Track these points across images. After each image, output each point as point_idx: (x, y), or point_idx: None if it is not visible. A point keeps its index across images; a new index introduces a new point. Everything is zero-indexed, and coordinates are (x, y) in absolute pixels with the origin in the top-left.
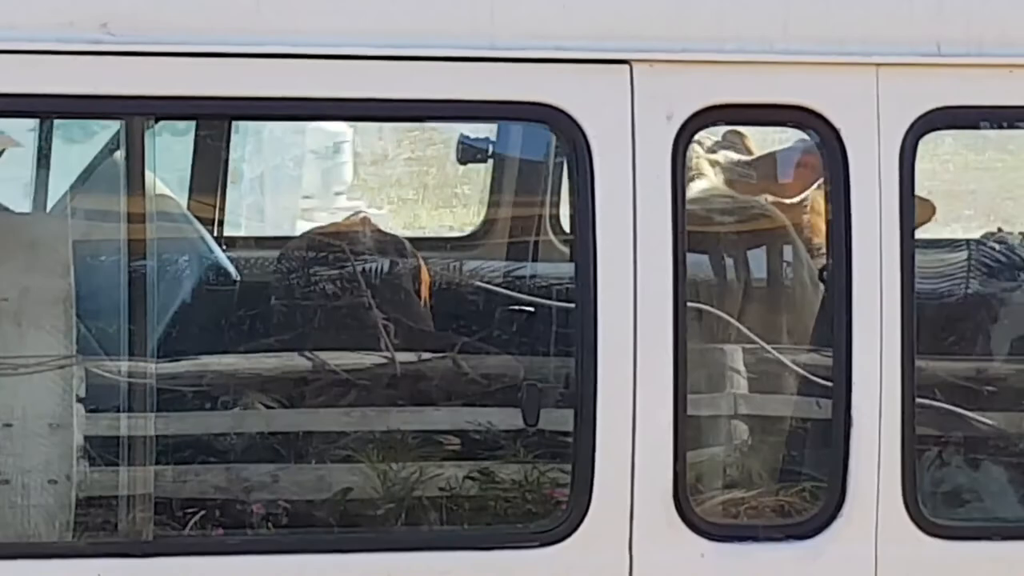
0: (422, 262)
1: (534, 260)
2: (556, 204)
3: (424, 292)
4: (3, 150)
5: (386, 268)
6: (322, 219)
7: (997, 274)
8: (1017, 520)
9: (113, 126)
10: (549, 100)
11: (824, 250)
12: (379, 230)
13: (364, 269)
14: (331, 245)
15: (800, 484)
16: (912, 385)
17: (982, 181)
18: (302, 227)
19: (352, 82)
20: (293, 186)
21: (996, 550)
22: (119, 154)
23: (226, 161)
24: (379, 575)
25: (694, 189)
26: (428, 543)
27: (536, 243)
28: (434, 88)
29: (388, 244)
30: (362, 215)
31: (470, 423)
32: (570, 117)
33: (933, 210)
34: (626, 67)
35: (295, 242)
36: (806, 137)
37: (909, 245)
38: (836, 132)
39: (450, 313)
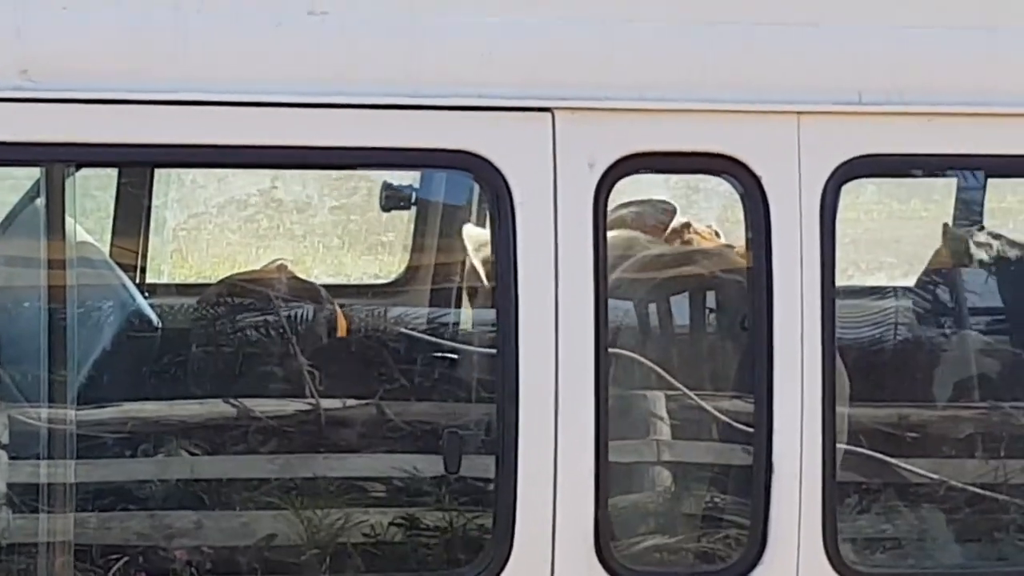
0: (341, 309)
1: (457, 307)
2: (479, 251)
3: (346, 339)
4: None
5: (307, 315)
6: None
7: (920, 322)
8: (937, 567)
9: (34, 173)
10: (471, 148)
11: (746, 297)
12: (297, 277)
13: (285, 316)
14: (250, 292)
15: (722, 530)
16: (833, 432)
17: (906, 230)
18: (223, 274)
19: (275, 130)
20: (215, 233)
21: None
22: (40, 201)
23: (148, 208)
24: None
25: (616, 236)
26: None
27: (459, 289)
28: (357, 136)
29: (308, 291)
30: (279, 262)
31: (393, 470)
32: (492, 165)
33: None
34: (548, 115)
35: (215, 289)
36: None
37: (830, 292)
38: (757, 180)
39: (373, 360)
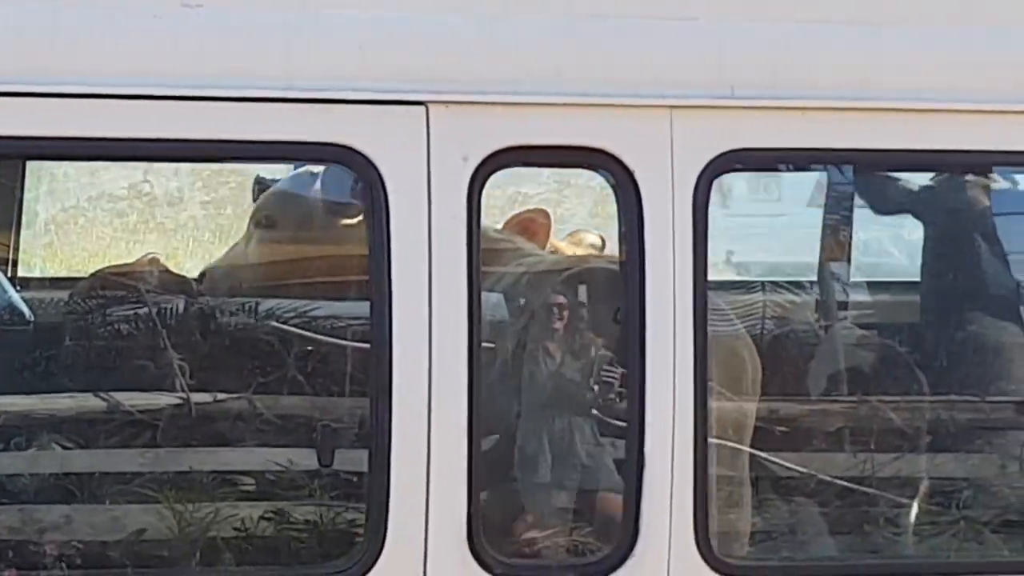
0: (214, 302)
1: (330, 300)
2: (353, 244)
3: (218, 332)
4: None
5: (178, 308)
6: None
7: (790, 316)
8: (808, 559)
9: None
10: (345, 141)
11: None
12: (169, 271)
13: (156, 309)
14: (122, 285)
15: (594, 523)
16: (705, 426)
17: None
18: (95, 268)
19: (149, 122)
20: (87, 227)
21: None
22: None
23: (20, 201)
24: None
25: (491, 230)
26: None
27: (332, 283)
28: (231, 129)
29: (179, 284)
30: (151, 256)
31: (266, 463)
32: (366, 158)
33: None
34: (422, 108)
35: (86, 282)
36: None
37: (702, 287)
38: (630, 174)
39: (246, 353)
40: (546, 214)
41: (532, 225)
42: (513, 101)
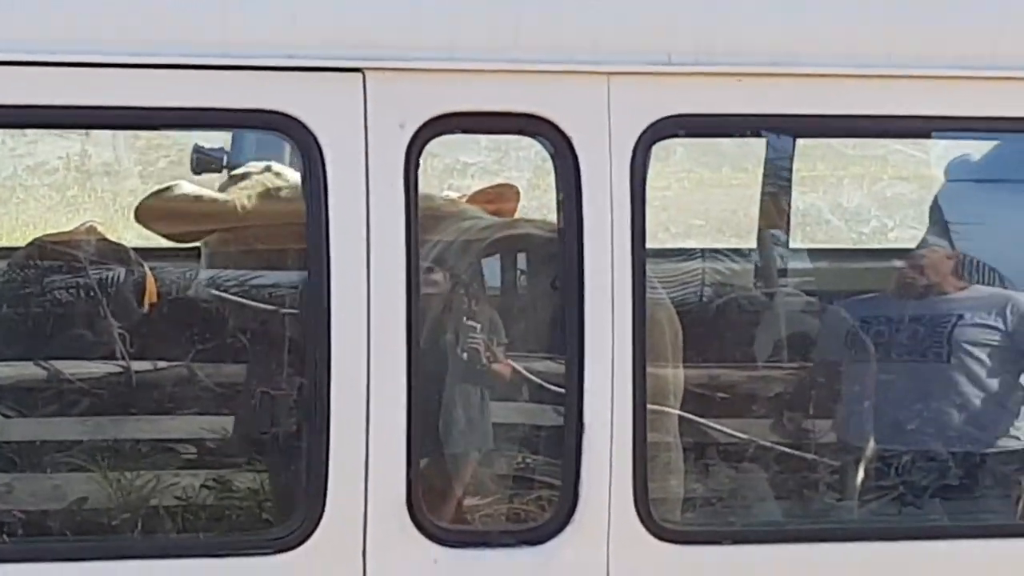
0: (151, 272)
1: (268, 268)
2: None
3: (157, 301)
4: None
5: (118, 277)
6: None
7: (729, 283)
8: (747, 525)
9: None
10: (282, 108)
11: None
12: (107, 239)
13: (96, 278)
14: (60, 254)
15: (534, 490)
16: (643, 392)
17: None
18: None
19: (85, 90)
20: (25, 196)
21: (727, 554)
22: None
23: None
24: None
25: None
26: (162, 551)
27: (270, 251)
28: (168, 96)
29: (118, 253)
30: (89, 224)
31: (205, 431)
32: (303, 125)
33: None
34: (359, 75)
35: (24, 251)
36: None
37: (640, 254)
38: (568, 141)
39: (185, 321)
40: (514, 188)
41: (499, 199)
42: (450, 68)
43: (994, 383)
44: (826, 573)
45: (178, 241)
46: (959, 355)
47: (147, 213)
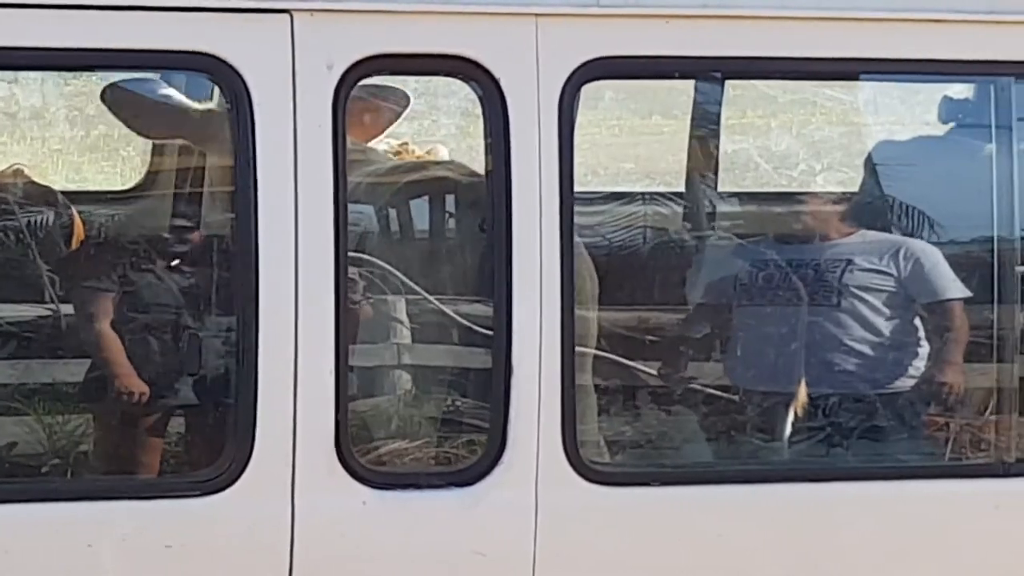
0: (79, 215)
1: (197, 212)
2: (219, 155)
3: (85, 244)
4: None
5: (46, 220)
6: None
7: (659, 227)
8: (674, 466)
9: None
10: (210, 49)
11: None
12: (34, 182)
13: (24, 221)
14: None
15: (463, 433)
16: (572, 335)
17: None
18: None
19: (12, 30)
20: None
21: (654, 495)
22: None
23: None
24: (42, 525)
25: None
26: (90, 493)
27: (200, 195)
28: (95, 37)
29: (45, 196)
30: (16, 167)
31: (134, 373)
32: (230, 66)
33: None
34: (286, 16)
35: None
36: None
37: (568, 197)
38: (496, 82)
39: (112, 264)
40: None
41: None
42: (378, 9)
43: (887, 326)
44: (752, 513)
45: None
46: (849, 299)
47: (114, 97)
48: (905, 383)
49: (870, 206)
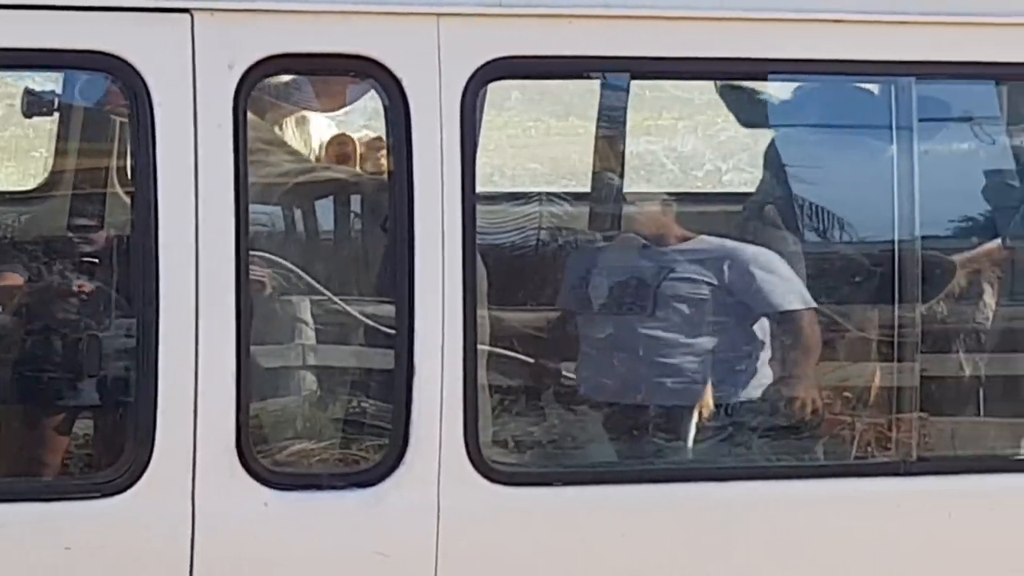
0: None
1: (100, 213)
2: (122, 156)
3: None
4: None
5: None
6: None
7: (558, 228)
8: (576, 466)
9: None
10: (110, 49)
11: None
12: None
13: None
14: None
15: (365, 433)
16: (474, 335)
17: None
18: None
19: None
20: None
21: (557, 495)
22: None
23: None
24: None
25: (258, 137)
26: None
27: (103, 196)
28: None
29: None
30: None
31: (33, 374)
32: (131, 66)
33: None
34: (187, 16)
35: None
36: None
37: (471, 197)
38: (398, 82)
39: (13, 263)
40: (351, 138)
41: (345, 149)
42: (280, 8)
43: (709, 337)
44: (654, 513)
45: None
46: (664, 309)
47: None
48: (741, 393)
49: (756, 208)
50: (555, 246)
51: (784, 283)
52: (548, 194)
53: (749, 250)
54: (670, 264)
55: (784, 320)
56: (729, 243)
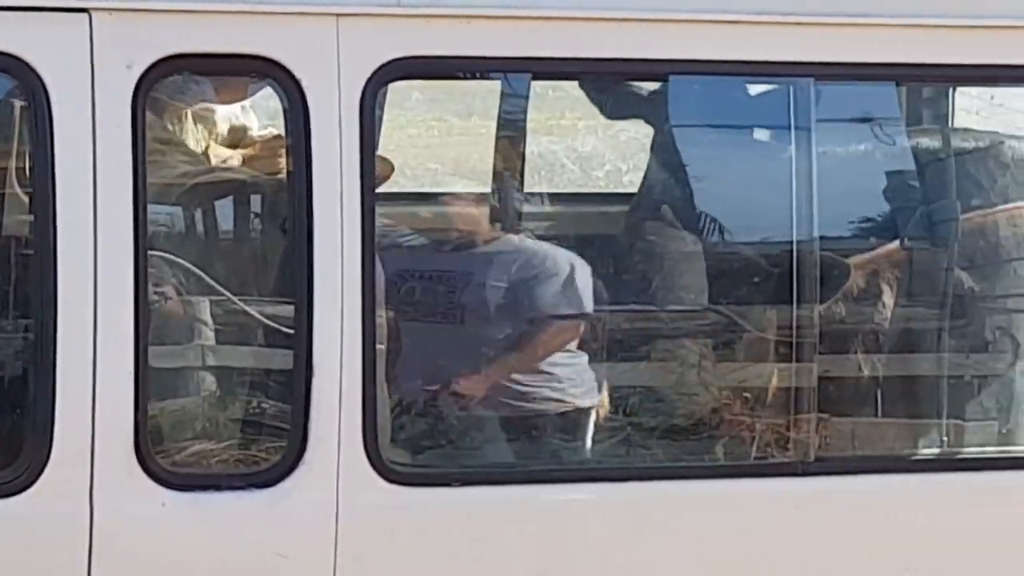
0: None
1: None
2: (20, 156)
3: None
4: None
5: None
6: None
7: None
8: (476, 466)
9: None
10: (8, 49)
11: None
12: None
13: None
14: None
15: (264, 433)
16: (373, 335)
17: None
18: None
19: None
20: None
21: (457, 495)
22: None
23: None
24: None
25: (157, 137)
26: None
27: (1, 195)
28: None
29: None
30: None
31: None
32: (29, 66)
33: (392, 169)
34: (85, 16)
35: None
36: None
37: (370, 197)
38: (297, 83)
39: None
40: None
41: (243, 135)
42: (179, 8)
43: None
44: (555, 514)
45: None
46: (459, 311)
47: None
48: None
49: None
50: (451, 246)
51: (564, 290)
52: (446, 194)
53: (544, 252)
54: (478, 264)
55: (539, 321)
56: (528, 244)
